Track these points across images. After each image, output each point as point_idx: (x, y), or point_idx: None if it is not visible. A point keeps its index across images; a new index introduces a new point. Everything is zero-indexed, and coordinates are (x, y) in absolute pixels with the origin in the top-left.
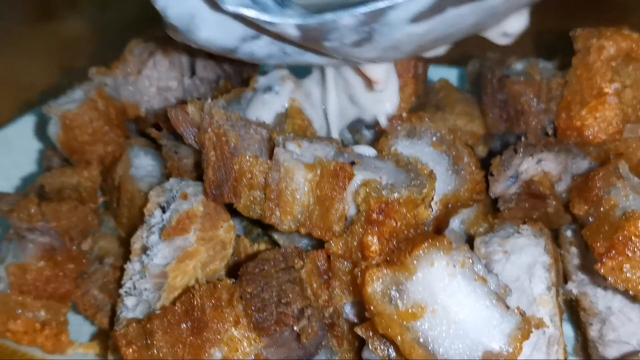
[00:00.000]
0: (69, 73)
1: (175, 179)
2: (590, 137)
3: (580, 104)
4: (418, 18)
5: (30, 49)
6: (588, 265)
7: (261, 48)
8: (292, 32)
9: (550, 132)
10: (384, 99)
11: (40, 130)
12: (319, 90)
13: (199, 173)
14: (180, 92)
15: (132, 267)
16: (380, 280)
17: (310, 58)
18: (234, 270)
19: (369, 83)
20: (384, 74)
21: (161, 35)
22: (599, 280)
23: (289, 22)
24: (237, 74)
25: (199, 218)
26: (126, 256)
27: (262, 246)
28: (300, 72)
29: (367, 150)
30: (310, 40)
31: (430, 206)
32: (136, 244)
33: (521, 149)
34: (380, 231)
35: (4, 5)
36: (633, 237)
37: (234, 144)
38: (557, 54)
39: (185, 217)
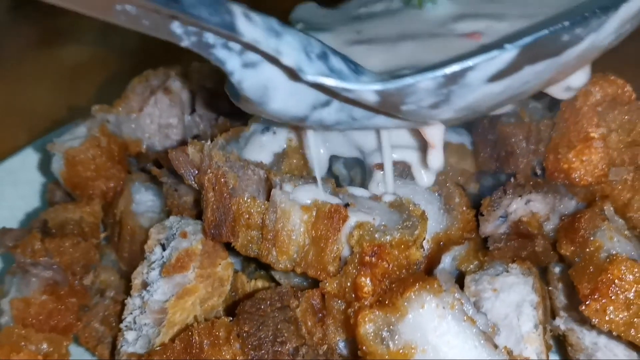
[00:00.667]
0: (73, 100)
1: (175, 217)
2: (577, 179)
3: (567, 147)
4: (495, 78)
5: (34, 76)
6: (574, 304)
7: (330, 115)
8: (371, 98)
9: (539, 172)
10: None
11: (44, 165)
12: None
13: (198, 211)
14: (180, 129)
15: (133, 302)
16: (373, 321)
17: (378, 122)
18: (232, 306)
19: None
20: (440, 138)
21: (162, 74)
22: (584, 319)
23: (369, 89)
24: (236, 111)
25: (197, 256)
26: (127, 289)
27: (260, 282)
28: None
29: (361, 191)
30: (387, 105)
31: (422, 246)
32: (137, 280)
33: (510, 190)
34: (373, 272)
35: (7, 33)
36: (616, 280)
37: (232, 185)
38: (546, 94)
39: (185, 255)
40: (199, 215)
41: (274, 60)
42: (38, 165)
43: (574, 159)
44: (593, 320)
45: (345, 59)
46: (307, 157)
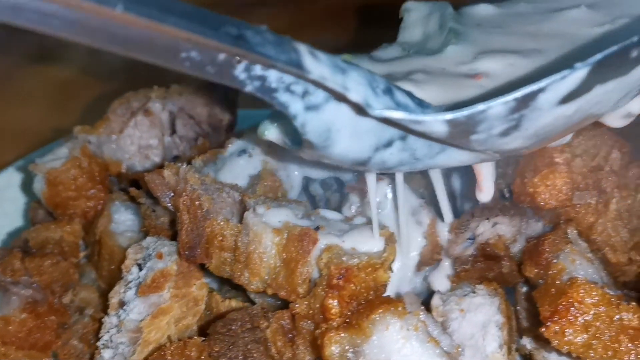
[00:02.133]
0: (61, 120)
1: (152, 238)
2: (542, 203)
3: (533, 172)
4: (566, 99)
5: (22, 95)
6: (537, 325)
7: (392, 156)
8: (441, 129)
9: (507, 195)
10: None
11: (28, 184)
12: (291, 153)
13: (175, 231)
14: (160, 150)
15: (110, 320)
16: (338, 343)
17: (440, 161)
18: (207, 325)
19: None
20: (492, 172)
21: (142, 96)
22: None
23: (439, 119)
24: (215, 133)
25: (172, 276)
26: (106, 308)
27: (234, 302)
28: None
29: (333, 214)
30: (456, 136)
31: (390, 268)
32: (114, 299)
33: (478, 213)
34: (340, 295)
35: None
36: (575, 303)
37: (207, 207)
38: None
39: (160, 275)
40: (175, 236)
41: (339, 97)
42: (21, 185)
43: (539, 183)
44: (553, 342)
45: (410, 94)
46: (282, 179)
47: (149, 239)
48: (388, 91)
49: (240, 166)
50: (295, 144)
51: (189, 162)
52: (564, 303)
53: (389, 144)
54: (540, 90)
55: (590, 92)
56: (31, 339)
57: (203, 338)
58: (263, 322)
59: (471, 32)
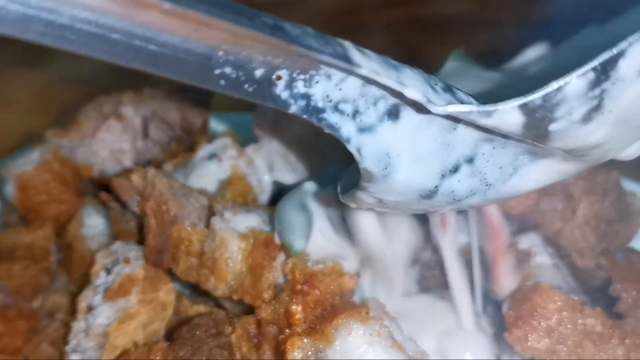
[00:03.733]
0: (40, 123)
1: (121, 243)
2: (508, 209)
3: None
4: None
5: (1, 100)
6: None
7: (461, 183)
8: (515, 120)
9: None
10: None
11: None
12: (261, 158)
13: (143, 236)
14: (133, 154)
15: (78, 325)
16: (301, 348)
17: (515, 184)
18: (175, 330)
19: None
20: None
21: (115, 99)
22: None
23: (512, 106)
24: (188, 136)
25: (140, 281)
26: (75, 312)
27: (202, 307)
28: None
29: None
30: (534, 128)
31: (358, 275)
32: (82, 303)
33: None
34: (305, 300)
35: None
36: (539, 309)
37: (174, 212)
38: None
39: (127, 280)
40: (144, 241)
41: (396, 94)
42: None
43: None
44: (516, 347)
45: (470, 94)
46: (252, 184)
47: (117, 244)
48: (448, 89)
49: (210, 170)
50: (349, 184)
51: (159, 166)
52: (527, 308)
53: (455, 168)
54: (621, 54)
55: None
56: (1, 343)
57: (168, 343)
58: (228, 328)
59: None
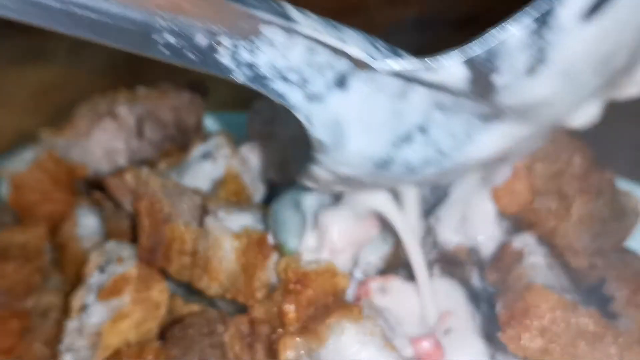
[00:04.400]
0: (38, 122)
1: (114, 242)
2: (501, 208)
3: None
4: (589, 12)
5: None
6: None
7: (415, 152)
8: (460, 74)
9: None
10: None
11: None
12: (255, 157)
13: (136, 235)
14: (127, 154)
15: (71, 324)
16: (293, 348)
17: (472, 153)
18: (169, 329)
19: None
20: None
21: (109, 99)
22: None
23: (457, 61)
24: (182, 136)
25: (133, 280)
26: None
27: (196, 306)
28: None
29: None
30: (480, 84)
31: (351, 274)
32: (75, 302)
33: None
34: (298, 300)
35: None
36: (532, 308)
37: (167, 211)
38: None
39: (120, 279)
40: (137, 240)
41: (339, 53)
42: None
43: (499, 188)
44: (509, 346)
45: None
46: (246, 183)
47: (111, 243)
48: (391, 49)
49: (203, 170)
50: (307, 159)
51: (153, 166)
52: (520, 308)
53: (408, 138)
54: (559, 2)
55: (614, 5)
56: None
57: (161, 342)
58: (220, 327)
59: None
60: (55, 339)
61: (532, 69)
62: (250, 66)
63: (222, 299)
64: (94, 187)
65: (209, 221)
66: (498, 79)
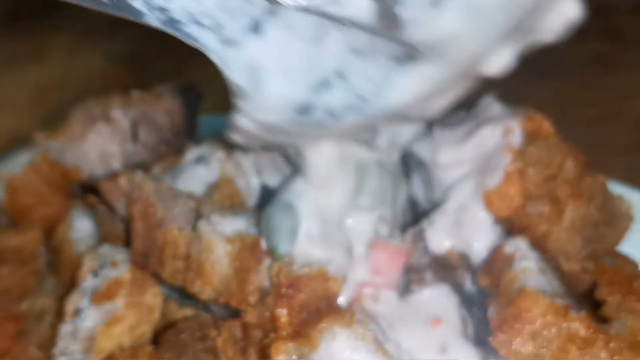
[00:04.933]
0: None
1: (108, 245)
2: (494, 212)
3: None
4: None
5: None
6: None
7: (335, 98)
8: (366, 5)
9: None
10: None
11: None
12: (249, 161)
13: (131, 239)
14: (122, 157)
15: (65, 328)
16: (285, 352)
17: (392, 98)
18: (162, 333)
19: None
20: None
21: (104, 102)
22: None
23: None
24: (177, 139)
25: (126, 284)
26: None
27: (189, 311)
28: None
29: None
30: (386, 15)
31: (344, 279)
32: (69, 306)
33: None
34: (290, 304)
35: None
36: (523, 313)
37: (161, 215)
38: None
39: (114, 283)
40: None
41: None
42: None
43: (491, 192)
44: (500, 351)
45: None
46: (240, 187)
47: (104, 247)
48: None
49: (197, 174)
50: (234, 112)
51: (147, 169)
52: (511, 312)
53: (326, 82)
54: None
55: None
56: None
57: (154, 346)
58: (213, 331)
59: None
60: (49, 343)
61: (435, 1)
62: (163, 10)
63: (215, 303)
64: (89, 191)
65: (202, 225)
66: (403, 12)
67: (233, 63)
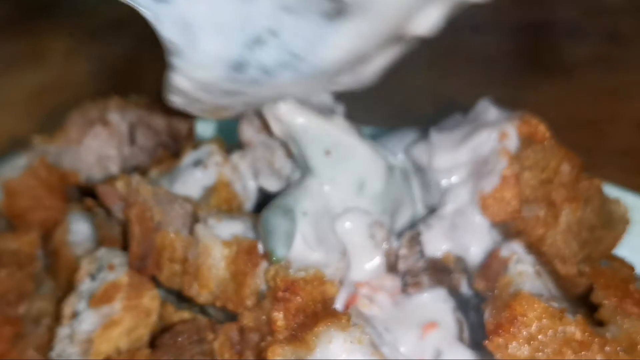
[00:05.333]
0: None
1: (106, 249)
2: (490, 216)
3: None
4: None
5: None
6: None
7: (269, 55)
8: None
9: None
10: None
11: None
12: (246, 165)
13: (127, 242)
14: (119, 160)
15: (63, 331)
16: (282, 355)
17: (326, 55)
18: (159, 336)
19: None
20: None
21: (101, 105)
22: None
23: None
24: (174, 143)
25: (124, 287)
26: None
27: (186, 313)
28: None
29: None
30: None
31: (340, 282)
32: (67, 309)
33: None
34: (286, 307)
35: None
36: (518, 316)
37: (158, 219)
38: None
39: (111, 286)
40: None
41: None
42: None
43: (487, 196)
44: (496, 355)
45: None
46: (237, 191)
47: (102, 250)
48: None
49: (195, 177)
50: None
51: (145, 173)
52: (507, 316)
53: (259, 39)
54: None
55: None
56: None
57: (151, 349)
58: (210, 334)
59: None
60: (47, 345)
61: None
62: None
63: (212, 306)
64: (86, 194)
65: (199, 229)
66: None
67: (165, 19)
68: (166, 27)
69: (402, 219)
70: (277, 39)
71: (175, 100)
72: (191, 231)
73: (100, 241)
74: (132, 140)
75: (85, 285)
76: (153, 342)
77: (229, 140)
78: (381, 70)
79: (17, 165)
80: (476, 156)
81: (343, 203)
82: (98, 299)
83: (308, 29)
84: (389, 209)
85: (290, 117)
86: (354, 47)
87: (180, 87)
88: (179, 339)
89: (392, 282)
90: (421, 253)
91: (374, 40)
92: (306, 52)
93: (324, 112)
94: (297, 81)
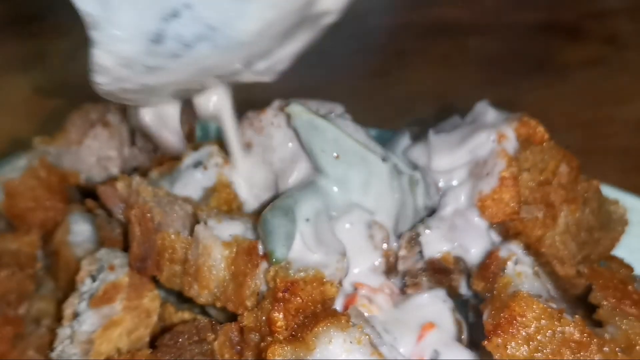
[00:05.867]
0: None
1: (106, 249)
2: (489, 218)
3: None
4: None
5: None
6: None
7: (186, 27)
8: None
9: None
10: None
11: None
12: (246, 165)
13: (128, 243)
14: (119, 162)
15: (63, 332)
16: (281, 356)
17: (244, 27)
18: (160, 336)
19: None
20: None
21: (101, 107)
22: None
23: None
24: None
25: (124, 288)
26: (61, 319)
27: (187, 314)
28: None
29: None
30: None
31: (340, 283)
32: (67, 310)
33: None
34: (286, 308)
35: None
36: (517, 317)
37: (158, 220)
38: None
39: (112, 287)
40: (128, 248)
41: None
42: None
43: (486, 198)
44: (495, 355)
45: None
46: (237, 192)
47: (102, 251)
48: None
49: (195, 178)
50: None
51: (145, 174)
52: (506, 316)
53: (175, 12)
54: None
55: None
56: None
57: (151, 350)
58: (210, 335)
59: None
60: (47, 346)
61: None
62: None
63: (213, 307)
64: (87, 195)
65: (199, 230)
66: None
67: None
68: (83, 0)
69: (404, 225)
70: (192, 11)
71: (101, 81)
72: (191, 232)
73: (101, 242)
74: (132, 142)
75: (86, 285)
76: (153, 343)
77: None
78: (294, 56)
79: (18, 166)
80: (475, 158)
81: (347, 204)
82: (98, 300)
83: (221, 1)
84: (393, 212)
85: (301, 117)
86: (267, 18)
87: (102, 64)
88: (180, 340)
89: (392, 283)
90: (420, 254)
91: (285, 11)
92: (220, 24)
93: (333, 115)
94: (214, 53)
